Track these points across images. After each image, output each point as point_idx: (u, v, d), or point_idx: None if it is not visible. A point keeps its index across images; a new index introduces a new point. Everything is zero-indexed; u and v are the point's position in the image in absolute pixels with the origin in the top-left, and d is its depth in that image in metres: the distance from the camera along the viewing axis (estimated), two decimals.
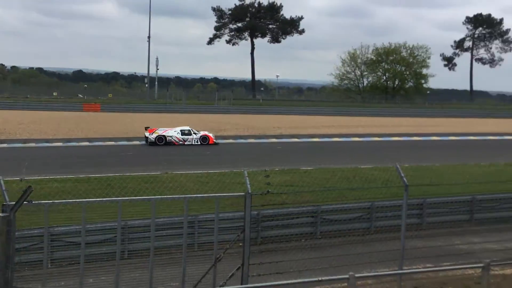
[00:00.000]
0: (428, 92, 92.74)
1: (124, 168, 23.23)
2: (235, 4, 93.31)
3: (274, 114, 60.08)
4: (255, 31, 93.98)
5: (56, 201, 10.45)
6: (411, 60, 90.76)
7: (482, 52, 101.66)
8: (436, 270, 10.83)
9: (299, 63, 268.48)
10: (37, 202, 8.82)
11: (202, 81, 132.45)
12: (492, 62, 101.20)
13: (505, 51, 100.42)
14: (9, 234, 7.97)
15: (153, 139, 33.72)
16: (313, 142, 38.43)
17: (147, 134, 34.46)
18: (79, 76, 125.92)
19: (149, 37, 78.00)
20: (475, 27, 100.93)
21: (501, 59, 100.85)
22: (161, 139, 33.79)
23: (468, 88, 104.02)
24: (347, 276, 7.37)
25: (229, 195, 11.70)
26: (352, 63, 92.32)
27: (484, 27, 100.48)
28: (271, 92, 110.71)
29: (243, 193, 9.79)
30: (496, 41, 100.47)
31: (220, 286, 9.89)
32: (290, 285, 7.86)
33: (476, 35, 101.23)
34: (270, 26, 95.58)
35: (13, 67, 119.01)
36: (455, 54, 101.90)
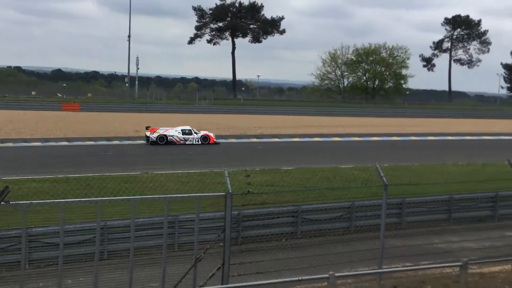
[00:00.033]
0: (407, 92, 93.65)
1: (104, 168, 23.05)
2: (216, 4, 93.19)
3: (255, 114, 60.12)
4: (236, 31, 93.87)
5: (34, 201, 10.35)
6: (390, 60, 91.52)
7: (460, 53, 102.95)
8: (415, 269, 10.93)
9: (280, 63, 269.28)
10: (14, 202, 8.71)
11: (183, 80, 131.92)
12: (470, 63, 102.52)
13: (483, 52, 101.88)
14: None
15: (155, 139, 33.87)
16: (293, 142, 38.54)
17: (148, 133, 34.62)
18: (58, 75, 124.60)
19: (129, 36, 77.46)
20: (454, 29, 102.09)
21: (479, 60, 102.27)
22: (162, 139, 33.96)
23: (446, 88, 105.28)
24: (327, 275, 7.42)
25: (210, 195, 11.67)
26: (333, 63, 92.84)
27: (462, 28, 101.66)
28: (252, 92, 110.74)
29: (223, 193, 9.78)
30: (474, 42, 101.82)
31: (200, 286, 9.86)
32: (271, 284, 7.88)
33: (454, 36, 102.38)
34: (251, 26, 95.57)
35: None
36: (434, 55, 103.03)
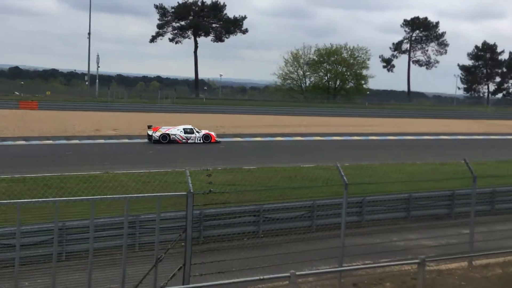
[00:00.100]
0: (368, 92, 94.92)
1: (63, 168, 22.61)
2: (178, 2, 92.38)
3: (218, 113, 59.97)
4: (198, 30, 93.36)
5: None
6: (351, 61, 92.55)
7: (419, 54, 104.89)
8: (375, 267, 11.08)
9: (243, 63, 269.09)
10: None
11: (145, 79, 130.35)
12: (428, 64, 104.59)
13: (441, 54, 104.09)
14: None
15: (157, 137, 34.29)
16: (256, 141, 38.60)
17: (150, 132, 35.02)
18: (16, 73, 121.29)
19: (89, 33, 76.33)
20: (412, 30, 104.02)
21: (436, 61, 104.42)
22: (165, 137, 34.44)
23: (405, 89, 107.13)
24: (288, 274, 7.44)
25: (171, 195, 11.59)
26: (295, 63, 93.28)
27: (420, 30, 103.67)
28: (214, 91, 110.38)
29: (185, 193, 9.73)
30: (432, 44, 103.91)
31: (161, 287, 9.78)
32: (232, 284, 7.86)
33: (413, 38, 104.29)
34: (214, 25, 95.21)
35: None
36: (393, 56, 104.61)
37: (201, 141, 35.07)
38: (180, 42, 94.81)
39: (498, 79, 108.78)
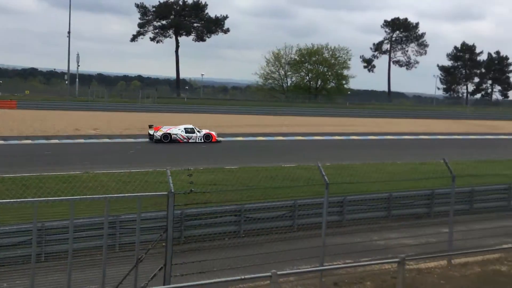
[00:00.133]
0: (349, 92, 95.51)
1: (42, 168, 22.37)
2: (159, 1, 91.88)
3: (199, 112, 59.78)
4: (179, 29, 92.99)
5: None
6: (332, 61, 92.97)
7: (399, 55, 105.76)
8: (355, 266, 11.15)
9: (224, 62, 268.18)
10: None
11: (126, 78, 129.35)
12: (408, 64, 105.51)
13: (421, 54, 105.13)
14: None
15: (159, 137, 34.46)
16: (237, 141, 38.58)
17: (151, 131, 35.21)
18: None
19: (69, 32, 75.60)
20: (393, 31, 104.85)
21: (416, 62, 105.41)
22: (167, 137, 34.63)
23: (386, 89, 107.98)
24: (269, 274, 7.45)
25: (152, 195, 11.53)
26: (276, 63, 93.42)
27: (401, 31, 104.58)
28: (196, 90, 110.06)
29: (165, 192, 9.68)
30: (412, 45, 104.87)
31: (141, 287, 9.73)
32: (213, 284, 7.84)
33: (393, 39, 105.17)
34: (195, 24, 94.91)
35: None
36: (374, 56, 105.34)
37: (202, 140, 35.36)
38: (161, 41, 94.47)
39: (476, 79, 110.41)
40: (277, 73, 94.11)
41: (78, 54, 79.34)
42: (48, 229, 12.59)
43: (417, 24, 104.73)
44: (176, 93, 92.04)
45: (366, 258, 11.95)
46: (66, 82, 79.01)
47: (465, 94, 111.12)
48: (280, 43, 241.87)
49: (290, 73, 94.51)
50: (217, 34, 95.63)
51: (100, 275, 9.35)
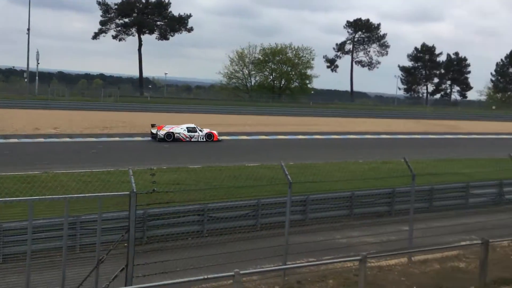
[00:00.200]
0: (312, 92, 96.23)
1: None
2: None
3: (162, 112, 59.24)
4: (142, 27, 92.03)
5: None
6: (296, 61, 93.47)
7: (361, 55, 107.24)
8: (318, 264, 11.23)
9: (188, 61, 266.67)
10: None
11: (87, 77, 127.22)
12: (370, 64, 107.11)
13: (382, 55, 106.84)
14: None
15: (162, 136, 34.75)
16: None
17: (154, 130, 35.51)
18: None
19: (28, 29, 73.83)
20: (355, 31, 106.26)
21: (378, 62, 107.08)
22: (170, 136, 34.95)
23: (349, 89, 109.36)
24: (232, 273, 7.45)
25: (113, 195, 11.38)
26: (240, 62, 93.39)
27: (363, 31, 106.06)
28: (159, 89, 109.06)
29: (127, 192, 9.57)
30: (374, 45, 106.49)
31: None
32: (176, 284, 7.79)
33: (356, 39, 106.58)
34: (158, 22, 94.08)
35: None
36: (337, 56, 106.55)
37: (204, 139, 35.73)
38: (123, 39, 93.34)
39: (436, 80, 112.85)
40: (241, 72, 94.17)
41: (38, 52, 77.67)
42: (6, 230, 12.31)
43: (378, 25, 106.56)
44: (139, 92, 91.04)
45: (329, 257, 12.04)
46: (26, 80, 77.12)
47: (425, 94, 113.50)
48: (244, 42, 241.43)
49: (254, 72, 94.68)
50: (180, 33, 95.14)
51: (59, 277, 9.18)
